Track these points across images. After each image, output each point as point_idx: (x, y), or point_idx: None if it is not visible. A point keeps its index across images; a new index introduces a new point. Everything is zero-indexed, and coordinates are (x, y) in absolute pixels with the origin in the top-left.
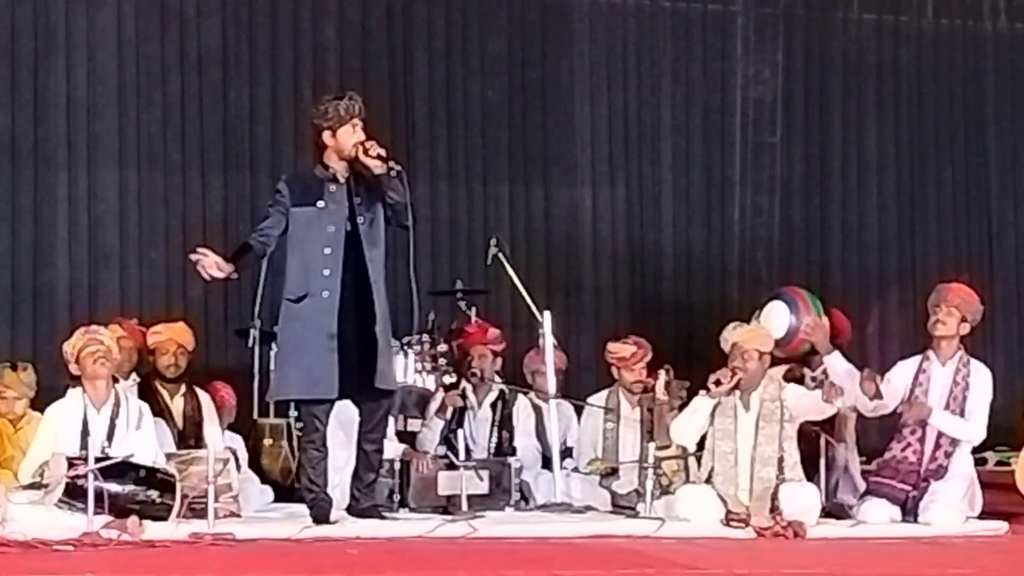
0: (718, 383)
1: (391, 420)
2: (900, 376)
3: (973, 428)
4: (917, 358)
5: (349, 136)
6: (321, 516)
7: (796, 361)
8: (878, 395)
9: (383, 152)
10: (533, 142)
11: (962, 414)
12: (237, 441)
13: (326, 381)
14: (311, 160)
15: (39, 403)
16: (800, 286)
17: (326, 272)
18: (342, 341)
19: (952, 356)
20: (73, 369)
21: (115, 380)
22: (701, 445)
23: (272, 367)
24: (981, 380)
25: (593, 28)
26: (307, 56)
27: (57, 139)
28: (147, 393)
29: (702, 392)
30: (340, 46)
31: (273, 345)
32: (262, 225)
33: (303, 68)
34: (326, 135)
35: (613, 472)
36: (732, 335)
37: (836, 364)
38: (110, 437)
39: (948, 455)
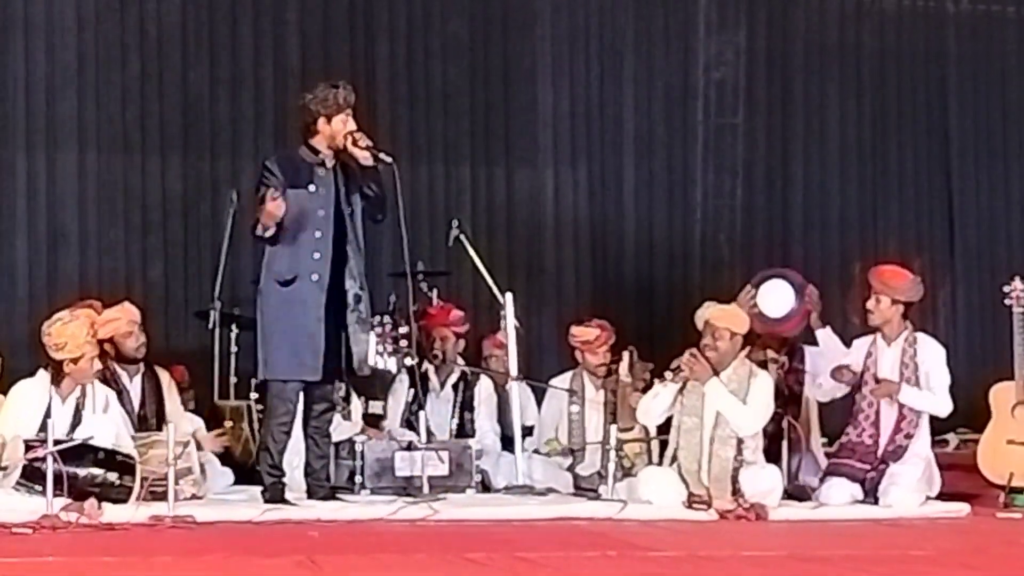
0: (678, 370)
1: (356, 402)
2: (853, 356)
3: (940, 401)
4: (869, 338)
5: (342, 125)
6: (277, 499)
7: (758, 345)
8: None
9: (371, 143)
10: (495, 123)
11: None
12: (197, 423)
13: (312, 364)
14: (273, 143)
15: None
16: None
17: (316, 255)
18: (326, 325)
19: (897, 336)
20: (56, 354)
21: None
22: (665, 428)
23: (259, 346)
24: (932, 354)
25: (555, 8)
26: (268, 36)
27: (15, 119)
28: (105, 376)
29: (658, 381)
30: (301, 26)
31: (233, 326)
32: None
33: (264, 49)
34: (320, 121)
35: (571, 452)
36: (705, 313)
37: (827, 338)
38: (74, 427)
39: (908, 437)
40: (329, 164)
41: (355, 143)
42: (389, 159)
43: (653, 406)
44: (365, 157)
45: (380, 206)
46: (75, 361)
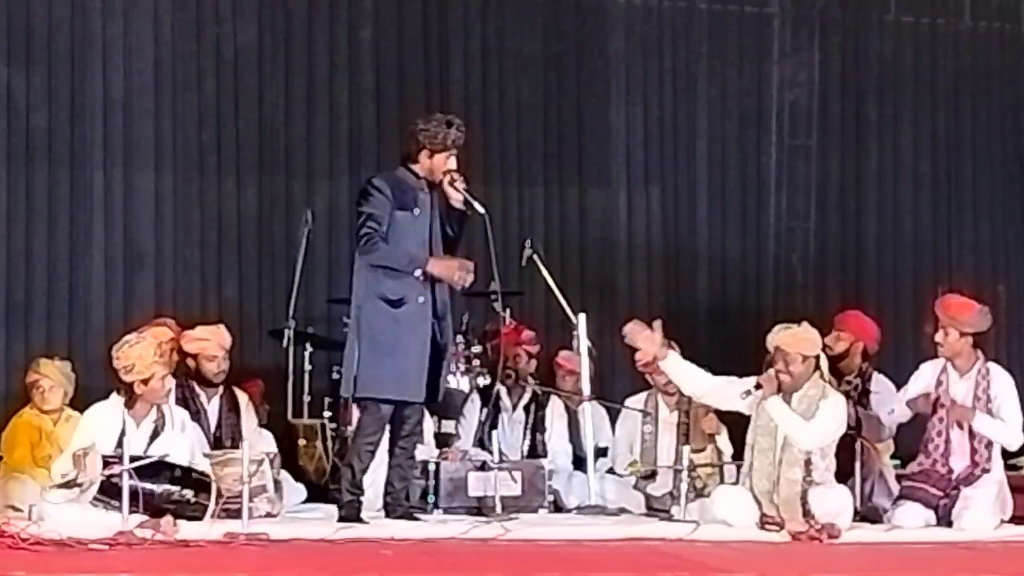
0: (757, 386)
1: (428, 422)
2: (922, 381)
3: (1012, 433)
4: (938, 363)
5: (443, 163)
6: (352, 518)
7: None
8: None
9: (467, 186)
10: (568, 144)
11: None
12: (268, 439)
13: (416, 385)
14: (347, 163)
15: (76, 403)
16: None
17: (420, 277)
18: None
19: (970, 368)
20: (127, 377)
21: None
22: (739, 454)
23: (356, 363)
24: (1004, 386)
25: (628, 30)
26: (343, 57)
27: (93, 139)
28: (184, 395)
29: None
30: (376, 47)
31: (307, 345)
32: (376, 225)
33: (339, 69)
34: (423, 154)
35: (652, 475)
36: (776, 338)
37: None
38: (150, 447)
39: (986, 472)
40: (426, 190)
41: (451, 183)
42: (482, 209)
43: (724, 390)
44: (458, 200)
45: (455, 247)
46: (145, 382)
